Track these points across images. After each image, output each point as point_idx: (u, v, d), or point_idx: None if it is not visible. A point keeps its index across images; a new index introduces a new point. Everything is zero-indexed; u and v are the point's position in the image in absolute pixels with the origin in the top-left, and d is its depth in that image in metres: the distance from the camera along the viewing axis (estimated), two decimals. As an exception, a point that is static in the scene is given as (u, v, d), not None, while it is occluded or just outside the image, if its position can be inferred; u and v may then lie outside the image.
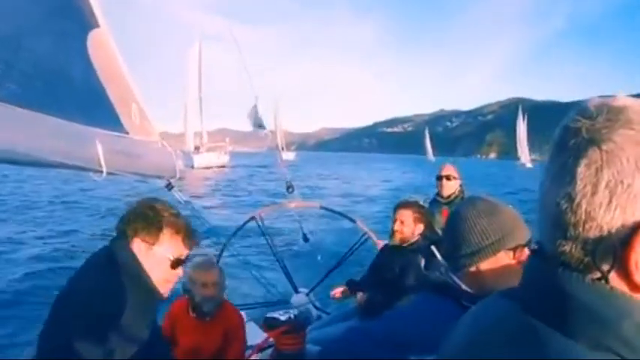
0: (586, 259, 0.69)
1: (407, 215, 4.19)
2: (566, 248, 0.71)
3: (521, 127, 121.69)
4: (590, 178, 0.68)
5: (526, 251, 1.66)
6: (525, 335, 0.74)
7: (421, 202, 4.44)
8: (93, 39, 2.78)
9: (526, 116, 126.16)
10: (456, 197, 5.14)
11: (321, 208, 5.03)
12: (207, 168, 56.95)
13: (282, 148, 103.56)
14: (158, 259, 2.07)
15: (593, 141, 0.68)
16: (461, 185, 5.23)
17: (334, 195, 27.73)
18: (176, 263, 2.11)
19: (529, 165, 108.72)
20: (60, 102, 2.26)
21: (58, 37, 2.52)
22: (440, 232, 4.80)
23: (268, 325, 3.16)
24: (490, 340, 0.80)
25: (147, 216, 2.06)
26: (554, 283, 0.72)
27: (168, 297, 2.20)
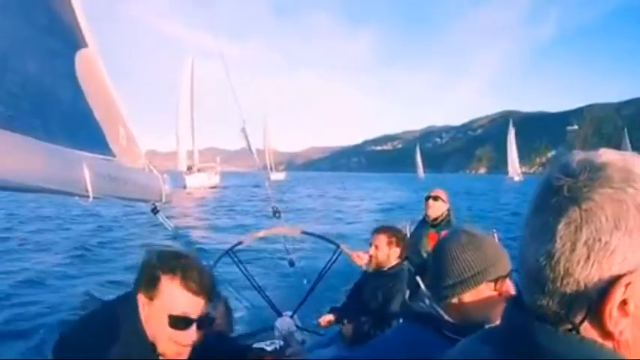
0: (561, 312, 0.73)
1: (380, 240, 4.30)
2: (544, 302, 0.74)
3: (512, 142, 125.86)
4: (569, 236, 0.70)
5: (507, 282, 1.75)
6: None
7: (400, 227, 4.51)
8: (81, 59, 2.73)
9: (514, 129, 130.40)
10: (443, 220, 5.15)
11: (302, 232, 5.00)
12: (198, 189, 56.94)
13: (271, 168, 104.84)
14: (159, 315, 1.83)
15: (574, 200, 0.71)
16: (448, 209, 5.22)
17: (324, 216, 27.72)
18: (176, 321, 1.82)
19: (517, 178, 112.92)
20: (47, 124, 2.21)
21: (45, 57, 2.47)
22: (425, 255, 4.83)
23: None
24: None
25: (145, 264, 1.88)
26: (530, 335, 0.75)
27: None
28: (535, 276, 0.75)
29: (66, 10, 2.75)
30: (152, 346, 1.84)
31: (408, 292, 2.45)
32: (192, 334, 1.83)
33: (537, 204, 0.77)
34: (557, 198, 0.73)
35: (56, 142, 2.17)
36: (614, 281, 0.68)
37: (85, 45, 2.81)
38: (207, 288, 1.87)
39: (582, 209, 0.70)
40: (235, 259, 4.57)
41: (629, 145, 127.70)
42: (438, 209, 5.18)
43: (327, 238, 5.00)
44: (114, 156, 2.74)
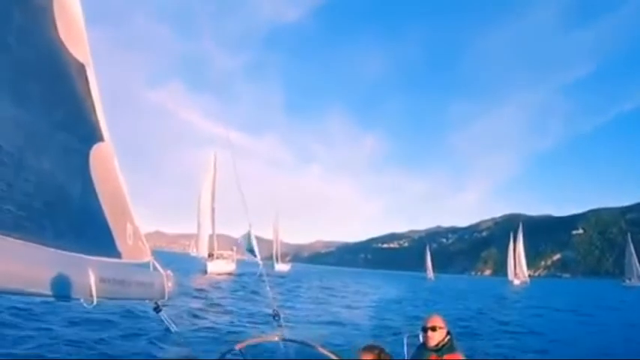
0: None
1: None
2: None
3: (519, 245, 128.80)
4: None
5: None
6: None
7: (383, 347, 4.37)
8: (95, 153, 2.72)
9: (521, 233, 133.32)
10: (444, 345, 4.99)
11: (283, 340, 4.91)
12: (219, 274, 58.13)
13: (277, 259, 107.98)
14: None
15: None
16: (448, 333, 5.07)
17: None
18: None
19: (517, 282, 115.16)
20: (56, 224, 2.17)
21: (60, 153, 2.45)
22: None
23: None
24: None
25: None
26: None
27: None
28: None
29: (86, 103, 2.77)
30: None
31: None
32: None
33: None
34: None
35: (63, 244, 2.12)
36: None
37: (102, 139, 2.81)
38: None
39: None
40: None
41: (632, 249, 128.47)
42: (437, 338, 5.04)
43: (305, 342, 4.87)
44: (120, 257, 2.68)
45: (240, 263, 70.65)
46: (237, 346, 4.47)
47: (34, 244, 1.90)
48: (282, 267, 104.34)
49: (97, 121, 2.84)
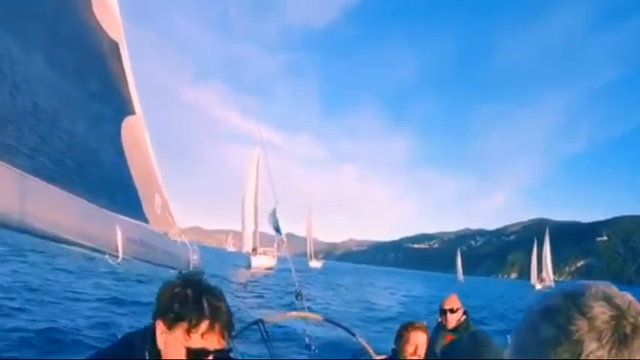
0: None
1: (423, 339, 4.07)
2: None
3: (546, 249, 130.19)
4: None
5: None
6: None
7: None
8: (127, 125, 2.82)
9: (548, 238, 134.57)
10: (461, 325, 4.97)
11: (324, 320, 4.96)
12: (261, 269, 65.07)
13: (310, 257, 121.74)
14: (176, 345, 1.83)
15: None
16: (465, 312, 5.06)
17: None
18: (194, 354, 1.82)
19: (538, 287, 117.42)
20: (87, 183, 2.25)
21: (93, 121, 2.54)
22: (439, 354, 4.66)
23: None
24: None
25: (167, 296, 1.86)
26: None
27: None
28: None
29: (119, 78, 2.87)
30: None
31: None
32: None
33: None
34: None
35: (93, 201, 2.21)
36: None
37: (133, 112, 2.91)
38: (228, 325, 1.89)
39: None
40: (263, 332, 4.52)
41: None
42: (455, 319, 5.03)
43: (346, 327, 4.92)
44: (147, 221, 2.76)
45: (279, 259, 73.49)
46: (264, 319, 4.56)
47: (68, 193, 2.00)
48: (315, 264, 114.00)
49: (129, 96, 2.94)
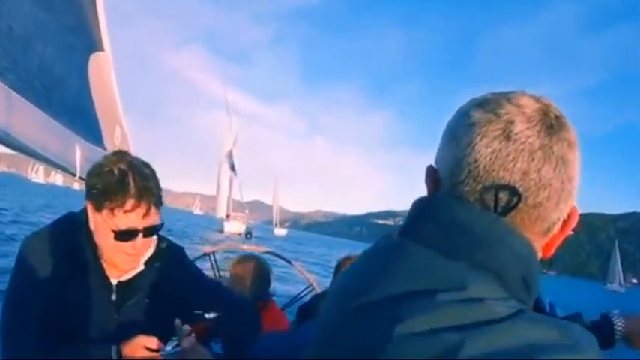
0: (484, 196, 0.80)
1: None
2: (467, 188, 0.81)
3: None
4: None
5: None
6: (393, 251, 0.86)
7: None
8: (95, 60, 3.01)
9: None
10: None
11: (267, 252, 5.25)
12: (233, 234, 65.60)
13: (276, 225, 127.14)
14: (104, 228, 1.80)
15: None
16: None
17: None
18: (120, 235, 1.79)
19: None
20: (52, 106, 2.40)
21: (64, 51, 2.71)
22: None
23: None
24: (365, 256, 0.94)
25: (98, 175, 1.78)
26: (443, 211, 0.83)
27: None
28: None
29: (92, 16, 3.06)
30: (99, 254, 1.89)
31: None
32: (138, 244, 1.83)
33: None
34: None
35: (58, 120, 2.44)
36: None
37: (102, 49, 3.13)
38: (156, 202, 1.84)
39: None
40: (213, 262, 4.79)
41: (618, 256, 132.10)
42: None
43: (285, 257, 5.16)
44: (105, 150, 2.93)
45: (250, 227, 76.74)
46: (206, 250, 4.85)
47: (34, 106, 2.20)
48: (279, 231, 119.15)
49: (100, 34, 3.14)
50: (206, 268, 4.77)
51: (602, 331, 1.49)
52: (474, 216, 0.79)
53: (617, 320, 1.52)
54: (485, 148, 0.78)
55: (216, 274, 4.70)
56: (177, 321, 1.85)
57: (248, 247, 5.29)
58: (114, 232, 1.77)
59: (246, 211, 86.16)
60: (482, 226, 0.78)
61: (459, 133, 0.83)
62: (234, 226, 74.19)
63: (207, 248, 4.94)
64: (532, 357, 0.63)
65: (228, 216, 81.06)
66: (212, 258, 4.78)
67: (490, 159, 0.77)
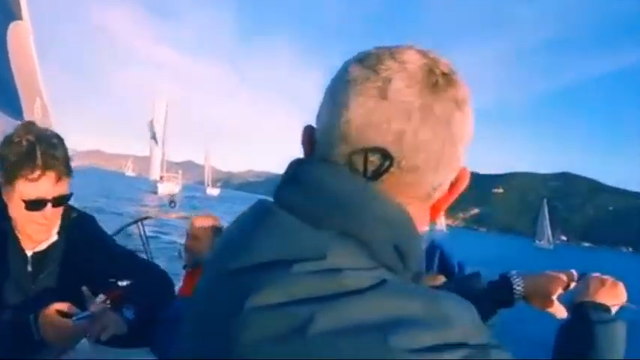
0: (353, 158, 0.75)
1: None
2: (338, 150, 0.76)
3: None
4: None
5: None
6: (263, 217, 0.79)
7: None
8: (13, 29, 2.97)
9: None
10: None
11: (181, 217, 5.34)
12: (165, 195, 65.54)
13: (208, 184, 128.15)
14: (15, 199, 1.83)
15: None
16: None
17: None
18: (30, 205, 1.82)
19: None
20: None
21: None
22: None
23: None
24: (238, 220, 0.87)
25: (7, 146, 1.78)
26: (309, 175, 0.77)
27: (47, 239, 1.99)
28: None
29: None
30: (14, 226, 1.93)
31: None
32: (48, 213, 1.86)
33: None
34: None
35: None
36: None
37: (20, 18, 3.07)
38: (64, 172, 1.86)
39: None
40: (142, 231, 4.78)
41: (547, 214, 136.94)
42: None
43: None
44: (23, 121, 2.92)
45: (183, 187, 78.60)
46: (142, 219, 4.86)
47: None
48: (212, 191, 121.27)
49: (18, 2, 3.08)
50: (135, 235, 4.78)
51: (501, 291, 1.52)
52: (341, 181, 0.74)
53: (516, 280, 1.53)
54: (359, 108, 0.73)
55: (145, 245, 4.71)
56: (84, 288, 1.94)
57: (177, 215, 5.34)
58: (24, 202, 1.80)
59: (180, 172, 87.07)
60: (348, 192, 0.73)
61: (336, 90, 0.78)
62: (169, 188, 74.21)
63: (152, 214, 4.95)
64: (385, 333, 0.60)
65: (162, 177, 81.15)
66: (141, 225, 4.78)
67: (363, 119, 0.73)
